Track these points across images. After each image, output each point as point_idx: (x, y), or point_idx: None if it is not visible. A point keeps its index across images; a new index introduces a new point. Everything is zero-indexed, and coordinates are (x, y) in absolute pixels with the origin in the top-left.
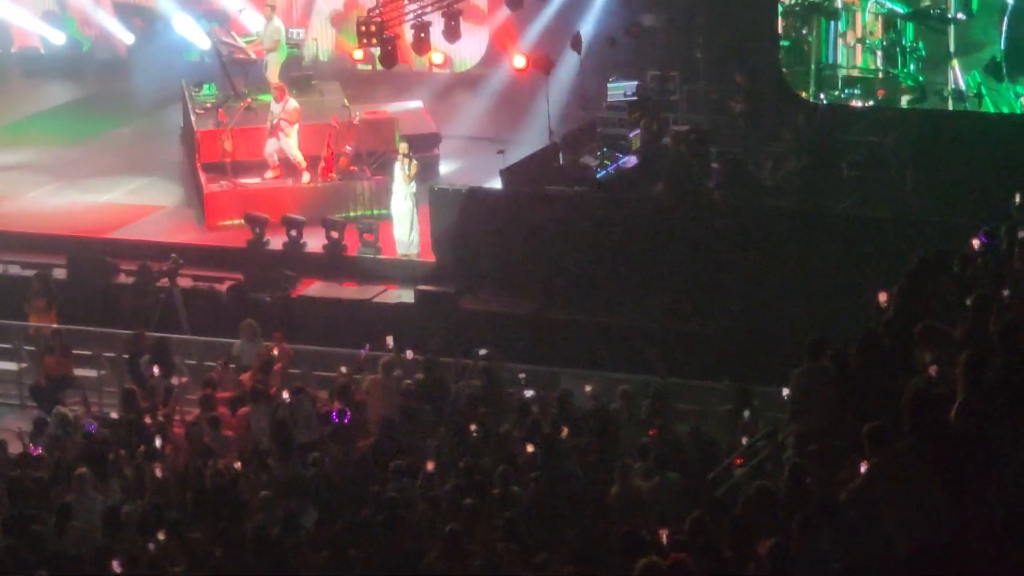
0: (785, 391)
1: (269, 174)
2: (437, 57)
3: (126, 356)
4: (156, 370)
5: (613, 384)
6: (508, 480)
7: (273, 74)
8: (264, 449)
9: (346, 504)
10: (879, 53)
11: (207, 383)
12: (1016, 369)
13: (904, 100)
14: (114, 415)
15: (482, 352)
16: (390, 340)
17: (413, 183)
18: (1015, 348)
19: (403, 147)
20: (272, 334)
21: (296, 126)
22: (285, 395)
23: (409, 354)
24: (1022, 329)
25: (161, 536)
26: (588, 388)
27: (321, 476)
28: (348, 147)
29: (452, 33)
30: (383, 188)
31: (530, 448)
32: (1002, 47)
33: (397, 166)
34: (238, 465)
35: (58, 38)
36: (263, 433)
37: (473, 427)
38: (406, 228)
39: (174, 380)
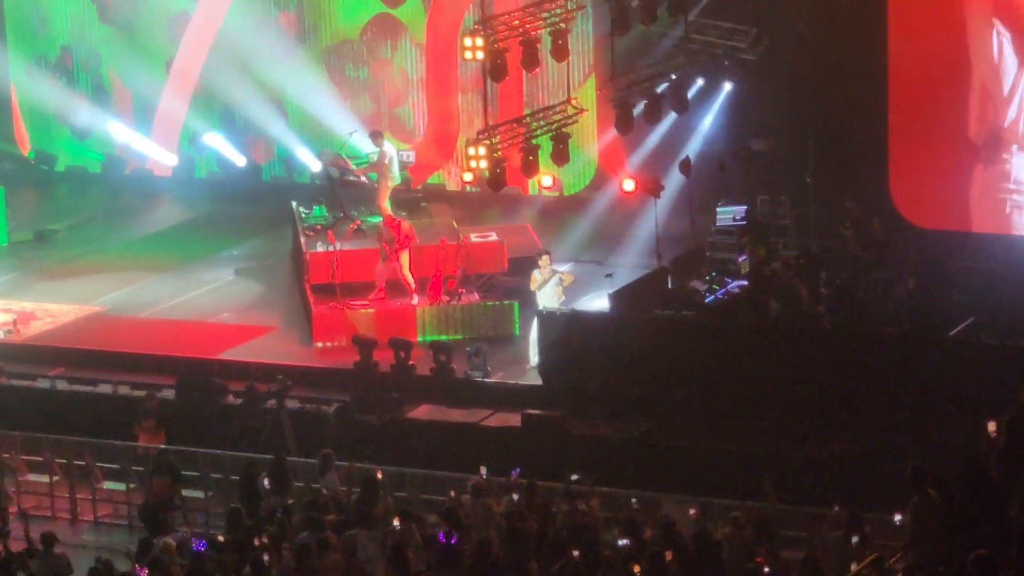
0: (897, 517)
1: (373, 296)
2: (545, 180)
3: (236, 477)
4: (267, 485)
5: (718, 509)
6: None
7: (384, 196)
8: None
9: None
10: None
11: (311, 505)
12: None
13: None
14: (220, 537)
15: (574, 477)
16: (483, 471)
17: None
18: None
19: (545, 259)
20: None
21: (408, 249)
22: (396, 521)
23: (482, 471)
24: None
25: None
26: (692, 511)
27: None
28: (462, 266)
29: (560, 156)
30: (490, 310)
31: (636, 569)
32: None
33: (538, 276)
34: None
35: (171, 160)
36: (369, 558)
37: (576, 551)
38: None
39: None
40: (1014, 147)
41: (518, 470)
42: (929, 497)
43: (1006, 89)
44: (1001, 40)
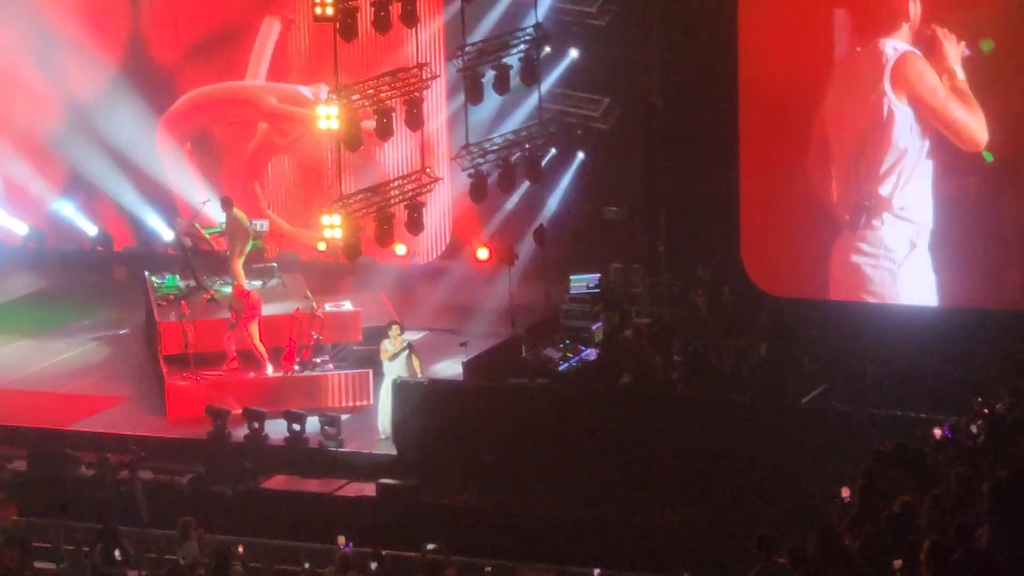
0: None
1: (226, 366)
2: (400, 248)
3: (86, 549)
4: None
5: None
6: None
7: (236, 265)
8: None
9: None
10: None
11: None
12: (975, 561)
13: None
14: None
15: (430, 547)
16: (342, 540)
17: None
18: (970, 542)
19: (395, 329)
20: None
21: (257, 319)
22: None
23: (341, 540)
24: (977, 526)
25: None
26: None
27: None
28: (315, 335)
29: (415, 225)
30: (344, 381)
31: None
32: None
33: (389, 346)
34: None
35: (21, 229)
36: None
37: None
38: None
39: (133, 573)
40: (886, 214)
41: (349, 545)
42: (774, 565)
43: (888, 158)
44: (892, 108)
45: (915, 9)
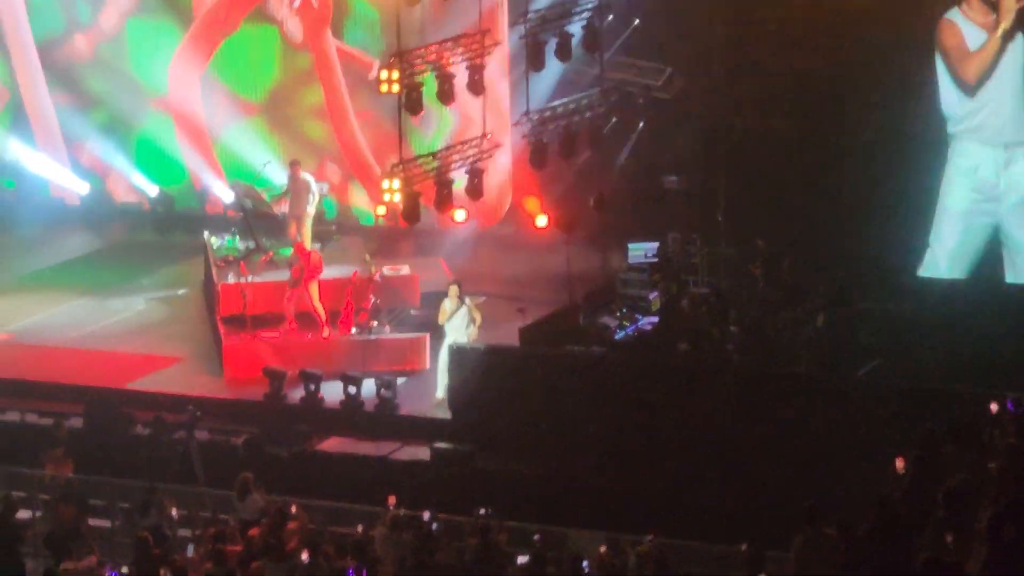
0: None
1: (284, 328)
2: (459, 214)
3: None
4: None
5: (625, 545)
6: None
7: (304, 226)
8: None
9: None
10: None
11: (218, 537)
12: None
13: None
14: (125, 569)
15: (482, 512)
16: (392, 500)
17: (472, 328)
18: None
19: (453, 289)
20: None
21: (317, 280)
22: (304, 555)
23: (391, 500)
24: None
25: None
26: (603, 548)
27: None
28: (373, 299)
29: (475, 190)
30: (401, 344)
31: None
32: None
33: (447, 306)
34: None
35: (82, 188)
36: None
37: None
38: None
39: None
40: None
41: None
42: (820, 535)
43: None
44: None
45: None
